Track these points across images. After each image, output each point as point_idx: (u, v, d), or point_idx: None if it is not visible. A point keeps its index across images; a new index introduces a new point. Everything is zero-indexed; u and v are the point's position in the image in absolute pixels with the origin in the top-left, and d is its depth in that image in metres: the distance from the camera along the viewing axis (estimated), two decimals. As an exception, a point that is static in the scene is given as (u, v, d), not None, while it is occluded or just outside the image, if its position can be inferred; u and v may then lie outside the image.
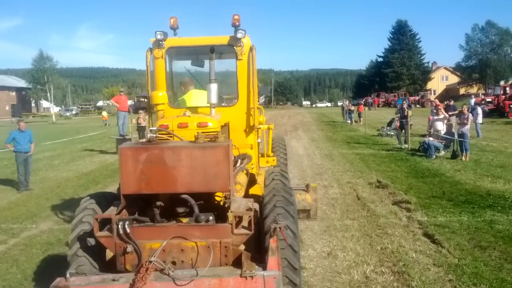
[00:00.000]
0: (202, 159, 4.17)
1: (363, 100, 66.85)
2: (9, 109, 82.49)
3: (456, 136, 15.94)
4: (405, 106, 20.55)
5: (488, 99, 42.12)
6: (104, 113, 52.35)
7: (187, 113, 5.59)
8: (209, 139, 4.56)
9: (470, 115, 17.42)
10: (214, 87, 5.81)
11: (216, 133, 4.76)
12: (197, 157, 4.17)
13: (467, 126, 16.01)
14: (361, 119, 36.89)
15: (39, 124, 57.14)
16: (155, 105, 6.18)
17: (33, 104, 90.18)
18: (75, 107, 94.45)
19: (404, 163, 15.05)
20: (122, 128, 20.32)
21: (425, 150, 16.44)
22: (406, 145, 19.72)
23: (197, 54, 7.34)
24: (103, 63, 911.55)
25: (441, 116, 17.77)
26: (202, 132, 4.62)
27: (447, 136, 16.29)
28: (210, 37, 6.71)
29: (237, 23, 6.22)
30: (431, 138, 16.59)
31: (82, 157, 19.66)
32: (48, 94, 66.65)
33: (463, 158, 15.16)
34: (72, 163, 17.85)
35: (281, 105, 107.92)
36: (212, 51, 5.70)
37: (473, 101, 37.48)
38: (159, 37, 6.32)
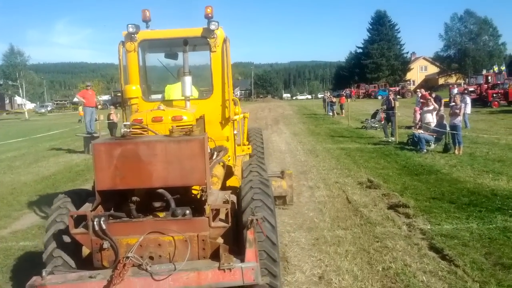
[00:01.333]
0: (178, 153, 4.16)
1: (343, 92, 65.93)
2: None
3: (448, 128, 14.90)
4: (391, 97, 19.45)
5: (471, 89, 41.49)
6: (81, 109, 50.29)
7: (161, 107, 5.53)
8: (184, 132, 4.55)
9: (463, 105, 16.46)
10: (188, 79, 5.79)
11: (191, 126, 4.66)
12: (172, 151, 4.16)
13: (460, 117, 14.98)
14: (343, 111, 35.93)
15: (11, 121, 55.25)
16: (128, 99, 6.15)
17: (7, 101, 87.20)
18: (50, 103, 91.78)
19: (394, 159, 13.95)
20: (90, 125, 18.84)
21: (414, 143, 15.38)
22: (393, 138, 18.69)
23: (171, 46, 7.27)
24: (81, 58, 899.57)
25: (431, 107, 16.74)
26: (177, 126, 4.64)
27: (438, 129, 15.21)
28: (183, 29, 6.64)
29: (210, 15, 6.17)
30: (421, 131, 15.51)
31: (47, 158, 18.14)
32: (20, 90, 64.09)
33: (456, 152, 14.13)
34: (35, 165, 16.36)
35: (261, 98, 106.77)
36: (186, 43, 5.66)
37: (455, 90, 36.72)
38: (131, 30, 6.24)
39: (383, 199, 9.36)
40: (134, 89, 6.21)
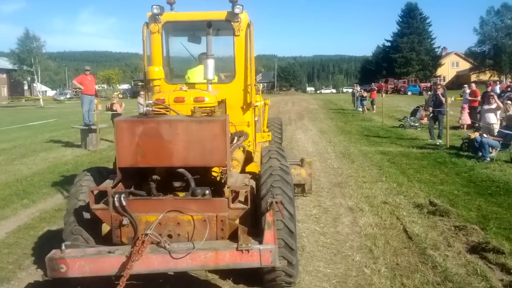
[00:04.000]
0: (199, 133, 4.17)
1: (368, 87, 62.04)
2: (-1, 92, 78.47)
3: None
4: (439, 92, 16.44)
5: (515, 86, 37.83)
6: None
7: (183, 88, 5.58)
8: (205, 113, 4.56)
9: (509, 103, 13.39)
10: (211, 62, 5.78)
11: (213, 107, 4.73)
12: (194, 131, 4.17)
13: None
14: (374, 106, 32.86)
15: (25, 108, 53.53)
16: (151, 80, 6.14)
17: (26, 87, 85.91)
18: (70, 91, 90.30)
19: (453, 169, 11.07)
20: (88, 116, 16.32)
21: (475, 149, 12.44)
22: (441, 141, 15.76)
23: (194, 30, 7.21)
24: (106, 47, 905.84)
25: (494, 106, 13.77)
26: (199, 107, 4.61)
27: (510, 132, 12.19)
28: (207, 12, 6.59)
29: None
30: (484, 135, 12.52)
31: (37, 152, 15.71)
32: (35, 76, 62.14)
33: (530, 163, 11.21)
34: (18, 161, 13.92)
35: (284, 90, 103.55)
36: (209, 26, 5.66)
37: (498, 87, 33.26)
38: (155, 11, 6.31)
39: (458, 235, 6.59)
40: (157, 71, 6.15)
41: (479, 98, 19.50)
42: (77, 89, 18.33)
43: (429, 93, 62.22)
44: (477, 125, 19.61)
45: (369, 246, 6.23)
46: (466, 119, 19.53)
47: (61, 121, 29.86)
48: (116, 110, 18.38)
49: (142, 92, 21.81)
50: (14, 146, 17.50)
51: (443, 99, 15.91)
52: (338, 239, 6.59)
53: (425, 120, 22.14)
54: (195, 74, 6.89)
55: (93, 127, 16.14)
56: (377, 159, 12.75)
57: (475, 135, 13.23)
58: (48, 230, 7.30)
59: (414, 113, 21.90)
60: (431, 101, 17.17)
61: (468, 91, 20.57)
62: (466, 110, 19.58)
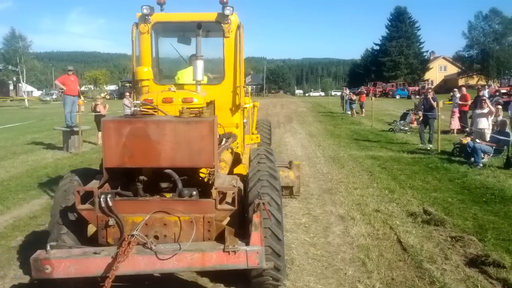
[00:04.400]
0: (187, 134, 4.16)
1: (357, 90, 61.77)
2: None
3: None
4: (430, 95, 16.18)
5: (503, 90, 37.93)
6: (81, 98, 46.79)
7: (172, 88, 5.59)
8: (194, 114, 4.51)
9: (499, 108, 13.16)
10: (200, 64, 5.72)
11: (201, 108, 4.73)
12: (182, 131, 4.16)
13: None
14: (363, 110, 32.63)
15: (9, 109, 52.43)
16: (139, 80, 6.14)
17: (11, 87, 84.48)
18: (56, 91, 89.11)
19: (445, 175, 10.76)
20: (70, 117, 15.79)
21: (467, 155, 12.17)
22: (431, 145, 15.52)
23: (184, 31, 7.19)
24: (94, 48, 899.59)
25: (486, 110, 13.52)
26: (187, 108, 4.57)
27: (503, 137, 11.91)
28: (197, 13, 6.60)
29: (225, 0, 6.13)
30: (477, 140, 12.23)
31: (17, 154, 15.16)
32: (21, 76, 61.06)
33: (524, 169, 10.96)
34: (-5, 164, 13.38)
35: (273, 93, 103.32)
36: (199, 27, 5.66)
37: (486, 92, 33.23)
38: (145, 11, 6.25)
39: (455, 247, 6.25)
40: (145, 71, 6.15)
41: (469, 102, 19.29)
42: (60, 90, 17.55)
43: (417, 96, 62.54)
44: (467, 129, 19.45)
45: (362, 259, 5.86)
46: (456, 124, 19.31)
47: (45, 122, 29.16)
48: (99, 112, 17.88)
49: (127, 93, 21.36)
50: (-6, 148, 16.91)
51: (434, 103, 15.65)
52: (329, 250, 6.22)
53: (414, 124, 21.92)
54: (185, 75, 6.88)
55: (75, 129, 15.62)
56: (368, 164, 12.42)
57: (467, 140, 12.99)
58: (21, 239, 6.83)
59: (403, 117, 21.67)
60: (422, 105, 16.91)
61: (458, 95, 20.35)
62: (457, 115, 19.35)
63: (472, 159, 11.76)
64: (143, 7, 6.24)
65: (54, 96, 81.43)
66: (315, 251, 6.20)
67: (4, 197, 9.27)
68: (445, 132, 19.11)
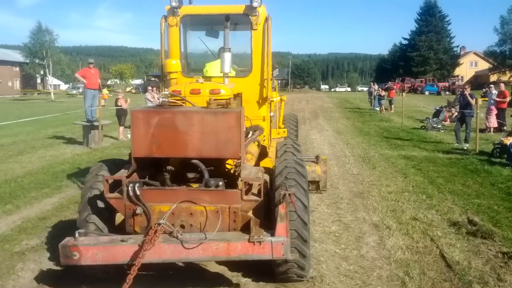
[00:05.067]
0: (214, 125, 4.17)
1: (384, 85, 59.99)
2: (12, 85, 78.00)
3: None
4: (467, 92, 15.19)
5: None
6: (105, 91, 46.29)
7: (200, 80, 5.62)
8: (221, 105, 4.53)
9: None
10: (228, 56, 5.74)
11: (228, 99, 4.68)
12: (209, 122, 4.17)
13: None
14: (392, 106, 31.55)
15: (36, 102, 52.98)
16: (168, 73, 6.13)
17: (38, 81, 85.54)
18: (82, 85, 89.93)
19: (486, 179, 9.89)
20: (90, 112, 15.37)
21: (510, 156, 11.26)
22: (467, 145, 14.57)
23: (212, 24, 7.18)
24: (121, 42, 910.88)
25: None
26: (215, 99, 4.61)
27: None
28: (225, 5, 6.54)
29: None
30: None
31: (36, 149, 14.81)
32: (47, 70, 61.46)
33: None
34: (13, 158, 13.01)
35: (298, 88, 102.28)
36: (227, 19, 5.66)
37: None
38: (174, 4, 6.28)
39: (508, 265, 5.48)
40: (174, 64, 6.14)
41: (508, 99, 18.22)
42: (81, 83, 17.12)
43: (447, 93, 60.74)
44: (504, 128, 18.39)
45: (402, 277, 5.15)
46: (494, 122, 18.24)
47: (68, 116, 28.99)
48: (121, 106, 17.43)
49: (149, 88, 20.97)
50: (14, 142, 16.64)
51: (472, 100, 14.68)
52: (363, 265, 5.51)
53: (448, 122, 20.91)
54: (213, 68, 6.86)
55: (95, 123, 15.20)
56: (401, 165, 11.60)
57: (509, 140, 12.05)
58: (26, 243, 6.31)
59: (437, 114, 20.63)
60: (458, 102, 15.93)
61: (494, 91, 19.27)
62: (494, 112, 18.28)
63: (515, 161, 10.85)
64: (172, 0, 6.27)
65: (80, 90, 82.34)
66: (347, 266, 5.51)
67: (16, 195, 8.81)
68: (481, 130, 18.00)
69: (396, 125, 22.25)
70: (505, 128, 18.41)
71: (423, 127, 20.06)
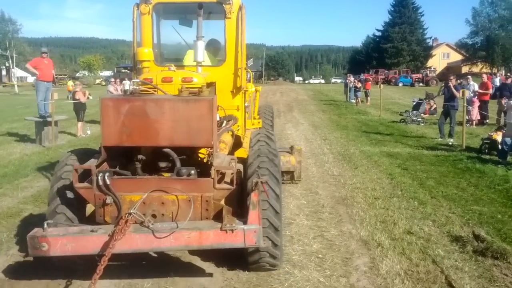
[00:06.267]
0: (185, 113, 4.13)
1: (358, 77, 58.79)
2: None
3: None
4: (451, 83, 14.27)
5: (515, 78, 35.87)
6: (70, 83, 43.74)
7: (172, 68, 5.54)
8: (193, 93, 4.50)
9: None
10: (201, 44, 5.72)
11: (200, 87, 4.67)
12: (180, 110, 4.13)
13: None
14: (368, 98, 30.72)
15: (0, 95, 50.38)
16: (140, 61, 6.03)
17: (4, 73, 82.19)
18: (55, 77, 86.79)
19: (481, 179, 8.91)
20: (44, 106, 13.90)
21: (501, 153, 10.35)
22: (452, 140, 13.70)
23: (185, 13, 7.10)
24: (92, 33, 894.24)
25: (522, 101, 11.64)
26: (187, 87, 4.55)
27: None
28: None
29: None
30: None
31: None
32: (10, 61, 58.75)
33: None
34: (-48, 160, 11.51)
35: (272, 80, 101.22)
36: (200, 7, 5.62)
37: (498, 80, 31.29)
38: None
39: (531, 297, 4.45)
40: (146, 52, 6.03)
41: (490, 91, 17.45)
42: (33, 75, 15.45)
43: (421, 84, 60.49)
44: (487, 120, 17.65)
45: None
46: (476, 114, 17.45)
47: (29, 110, 26.99)
48: (79, 99, 15.96)
49: (112, 80, 19.58)
50: (-40, 140, 15.03)
51: (457, 93, 13.77)
52: (354, 299, 4.41)
53: (427, 115, 20.10)
54: (191, 56, 6.50)
55: (48, 119, 13.72)
56: (385, 163, 10.56)
57: (498, 135, 11.17)
58: None
59: (416, 106, 19.72)
60: (442, 94, 15.00)
61: (472, 82, 18.47)
62: (476, 104, 17.48)
63: (508, 158, 9.94)
64: None
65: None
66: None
67: None
68: (460, 123, 17.22)
69: (373, 118, 21.33)
70: (488, 121, 17.67)
71: (402, 120, 19.16)
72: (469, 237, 5.87)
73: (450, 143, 13.25)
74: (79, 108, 16.00)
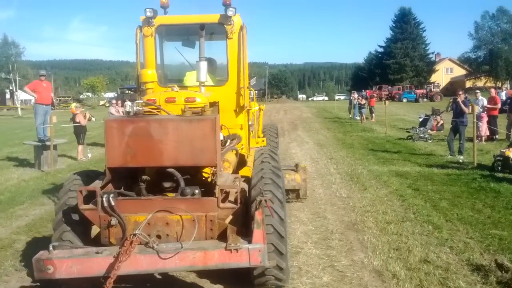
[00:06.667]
0: (189, 133, 4.15)
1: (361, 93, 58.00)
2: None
3: None
4: (460, 99, 13.89)
5: (521, 92, 35.48)
6: (74, 105, 43.92)
7: (175, 88, 5.57)
8: (196, 113, 4.49)
9: None
10: (203, 65, 5.85)
11: (203, 107, 4.63)
12: (184, 130, 4.15)
13: None
14: (373, 115, 30.37)
15: (2, 118, 50.39)
16: (144, 83, 6.14)
17: (8, 96, 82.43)
18: (54, 100, 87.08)
19: (497, 200, 8.49)
20: (43, 130, 13.61)
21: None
22: (462, 157, 13.27)
23: (188, 34, 7.18)
24: (96, 55, 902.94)
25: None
26: (190, 107, 4.56)
27: None
28: (200, 15, 6.55)
29: (228, 2, 6.13)
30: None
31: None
32: (14, 84, 58.91)
33: None
34: None
35: (275, 98, 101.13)
36: (202, 28, 5.81)
37: (504, 94, 30.87)
38: (148, 14, 6.27)
39: None
40: (149, 74, 6.14)
41: (499, 106, 17.07)
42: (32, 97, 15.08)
43: (425, 100, 60.13)
44: (497, 136, 17.24)
45: None
46: (485, 130, 17.03)
47: (31, 134, 26.83)
48: (79, 122, 15.67)
49: (114, 101, 19.33)
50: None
51: (466, 108, 13.40)
52: None
53: (435, 132, 19.71)
54: (191, 77, 6.74)
55: (47, 143, 13.40)
56: (395, 184, 10.15)
57: (511, 152, 10.78)
58: None
59: (424, 123, 19.32)
60: (450, 109, 14.62)
61: (481, 97, 18.11)
62: (485, 119, 17.08)
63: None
64: (147, 10, 6.25)
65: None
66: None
67: None
68: (470, 139, 16.81)
69: (380, 135, 20.93)
70: (497, 136, 17.25)
71: (409, 137, 18.74)
72: (491, 266, 5.43)
73: (461, 161, 12.83)
74: (79, 131, 15.69)
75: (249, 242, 3.84)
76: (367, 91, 63.88)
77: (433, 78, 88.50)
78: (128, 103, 16.67)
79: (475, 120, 12.71)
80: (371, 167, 12.33)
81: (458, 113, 13.82)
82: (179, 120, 4.21)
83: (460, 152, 13.70)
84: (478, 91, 19.14)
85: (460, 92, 14.23)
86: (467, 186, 9.75)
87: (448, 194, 9.10)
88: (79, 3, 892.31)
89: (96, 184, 4.36)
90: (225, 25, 6.45)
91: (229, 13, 6.22)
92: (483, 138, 17.07)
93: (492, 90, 17.56)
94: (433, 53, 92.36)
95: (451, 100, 14.65)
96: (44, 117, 13.66)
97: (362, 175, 11.33)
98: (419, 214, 7.76)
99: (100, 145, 19.75)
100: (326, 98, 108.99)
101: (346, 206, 8.45)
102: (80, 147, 15.70)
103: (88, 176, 4.92)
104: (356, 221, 7.47)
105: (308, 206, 8.34)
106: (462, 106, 13.65)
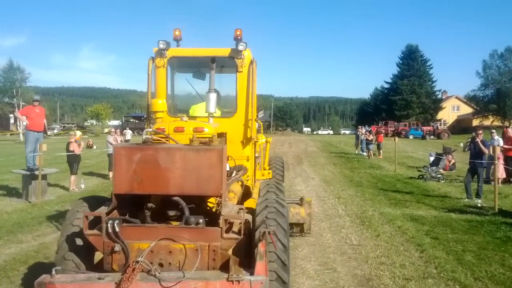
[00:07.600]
0: (195, 162, 4.17)
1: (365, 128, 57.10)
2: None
3: None
4: (479, 138, 13.03)
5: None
6: (78, 133, 43.42)
7: (184, 118, 5.65)
8: (204, 143, 4.57)
9: None
10: (213, 96, 5.83)
11: (211, 137, 4.72)
12: (191, 159, 4.17)
13: None
14: (381, 151, 29.48)
15: (4, 144, 49.72)
16: (154, 112, 6.14)
17: (11, 121, 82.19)
18: (57, 126, 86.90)
19: (529, 254, 7.54)
20: (32, 158, 12.80)
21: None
22: (480, 201, 12.33)
23: (199, 66, 7.32)
24: (104, 84, 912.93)
25: None
26: (198, 137, 4.68)
27: None
28: (211, 48, 6.67)
29: (239, 37, 6.28)
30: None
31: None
32: (17, 110, 58.57)
33: None
34: None
35: (280, 130, 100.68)
36: (213, 61, 5.77)
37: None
38: (161, 46, 6.40)
39: None
40: (160, 103, 6.14)
41: (516, 146, 16.17)
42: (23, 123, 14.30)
43: (432, 137, 59.32)
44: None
45: None
46: (502, 172, 16.09)
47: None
48: (73, 151, 14.85)
49: (112, 130, 18.59)
50: None
51: (485, 149, 12.52)
52: None
53: (447, 171, 18.78)
54: (199, 109, 6.89)
55: (36, 172, 12.57)
56: (411, 230, 9.18)
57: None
58: None
59: (436, 162, 18.43)
60: (468, 150, 13.74)
61: (496, 137, 17.26)
62: (501, 161, 16.15)
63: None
64: (160, 42, 6.36)
65: (55, 131, 79.27)
66: None
67: None
68: (486, 182, 15.87)
69: (389, 173, 19.98)
70: (515, 179, 16.31)
71: (420, 176, 17.81)
72: None
73: (479, 205, 11.89)
74: (72, 160, 14.86)
75: (251, 274, 3.78)
76: (372, 126, 63.11)
77: (440, 115, 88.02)
78: (127, 131, 16.27)
79: (496, 162, 11.80)
80: (382, 209, 11.38)
81: (477, 154, 12.93)
82: (186, 149, 4.20)
83: (478, 195, 12.75)
84: (494, 130, 18.30)
85: (480, 132, 13.38)
86: (492, 235, 8.79)
87: (472, 245, 8.14)
88: (89, 33, 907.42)
89: (102, 210, 4.33)
90: (235, 59, 6.55)
91: (240, 47, 6.27)
92: (499, 181, 16.09)
93: (509, 130, 16.68)
94: (439, 90, 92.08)
95: (469, 139, 13.76)
96: (34, 145, 12.92)
97: (374, 218, 10.37)
98: (442, 269, 6.80)
99: (96, 175, 18.94)
100: (331, 132, 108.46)
101: (358, 256, 7.50)
102: (72, 177, 14.86)
103: (95, 201, 4.90)
104: (370, 276, 6.51)
105: (315, 255, 7.40)
106: (482, 146, 12.77)
